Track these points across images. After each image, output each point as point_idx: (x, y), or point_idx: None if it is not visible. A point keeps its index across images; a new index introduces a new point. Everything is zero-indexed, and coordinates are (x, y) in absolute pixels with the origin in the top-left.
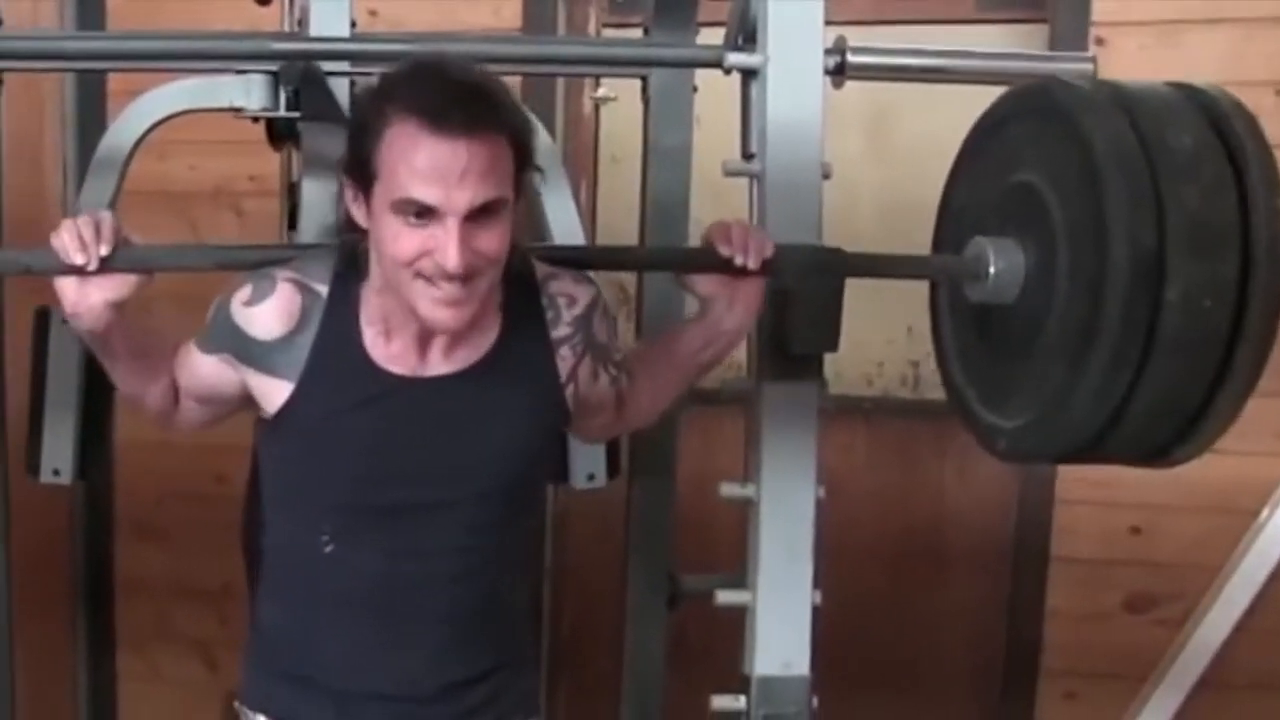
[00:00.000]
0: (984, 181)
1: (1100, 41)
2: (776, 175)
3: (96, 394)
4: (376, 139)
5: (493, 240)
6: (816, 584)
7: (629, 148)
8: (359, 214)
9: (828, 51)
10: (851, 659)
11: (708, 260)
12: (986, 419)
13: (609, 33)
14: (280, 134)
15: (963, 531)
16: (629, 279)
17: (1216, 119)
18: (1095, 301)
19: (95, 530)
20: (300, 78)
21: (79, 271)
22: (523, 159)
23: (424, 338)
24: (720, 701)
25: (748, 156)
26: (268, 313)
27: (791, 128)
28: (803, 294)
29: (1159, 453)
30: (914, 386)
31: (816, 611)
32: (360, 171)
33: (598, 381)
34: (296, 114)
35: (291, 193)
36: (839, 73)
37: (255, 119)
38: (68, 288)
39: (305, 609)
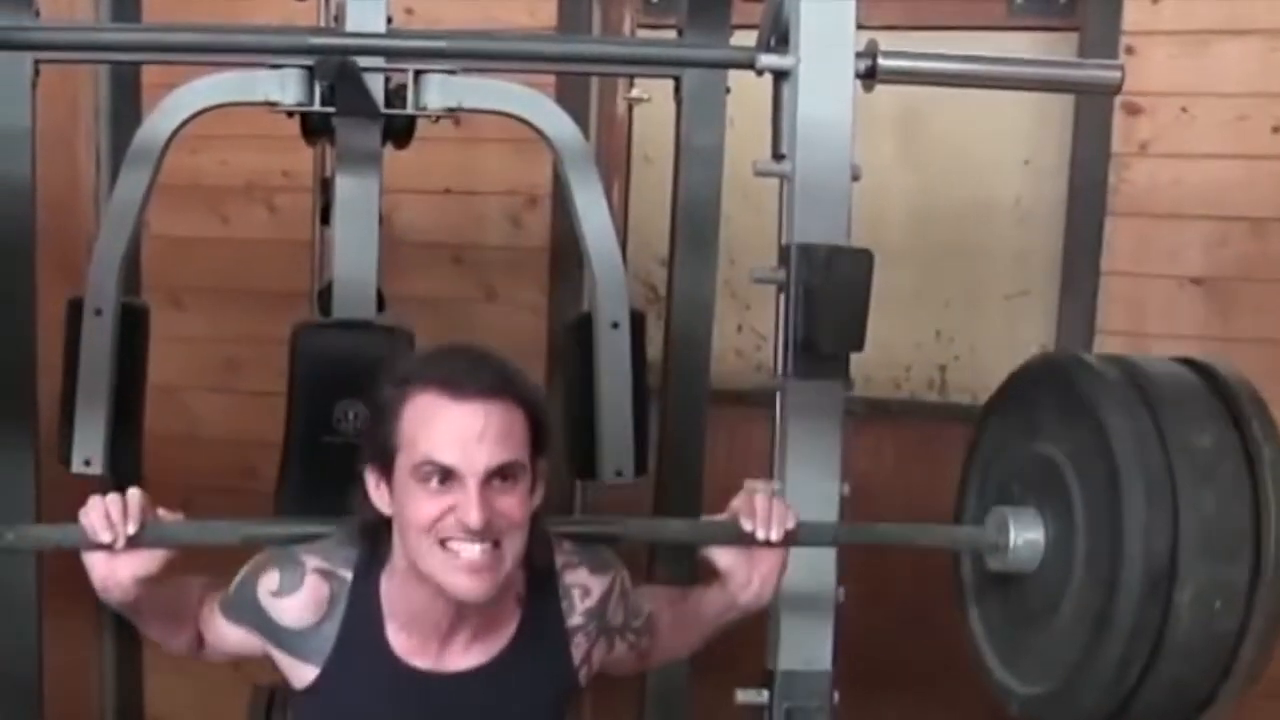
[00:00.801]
0: (1009, 443)
1: (1130, 50)
2: (806, 176)
3: (127, 386)
4: (396, 416)
5: (512, 503)
6: (840, 580)
7: (662, 148)
8: (382, 502)
9: (859, 55)
10: (873, 659)
11: (730, 534)
12: (1001, 678)
13: (643, 34)
14: (315, 129)
15: None
16: (659, 279)
17: (1235, 412)
18: (1109, 598)
19: None
20: (336, 73)
21: (106, 549)
22: (539, 435)
23: (446, 631)
24: (744, 695)
25: (778, 157)
26: (296, 606)
27: (822, 129)
28: (829, 293)
29: None
30: (941, 390)
31: (839, 608)
32: (382, 454)
33: (614, 651)
34: (331, 109)
35: (325, 188)
36: (870, 76)
37: (290, 114)
38: (97, 564)
39: None
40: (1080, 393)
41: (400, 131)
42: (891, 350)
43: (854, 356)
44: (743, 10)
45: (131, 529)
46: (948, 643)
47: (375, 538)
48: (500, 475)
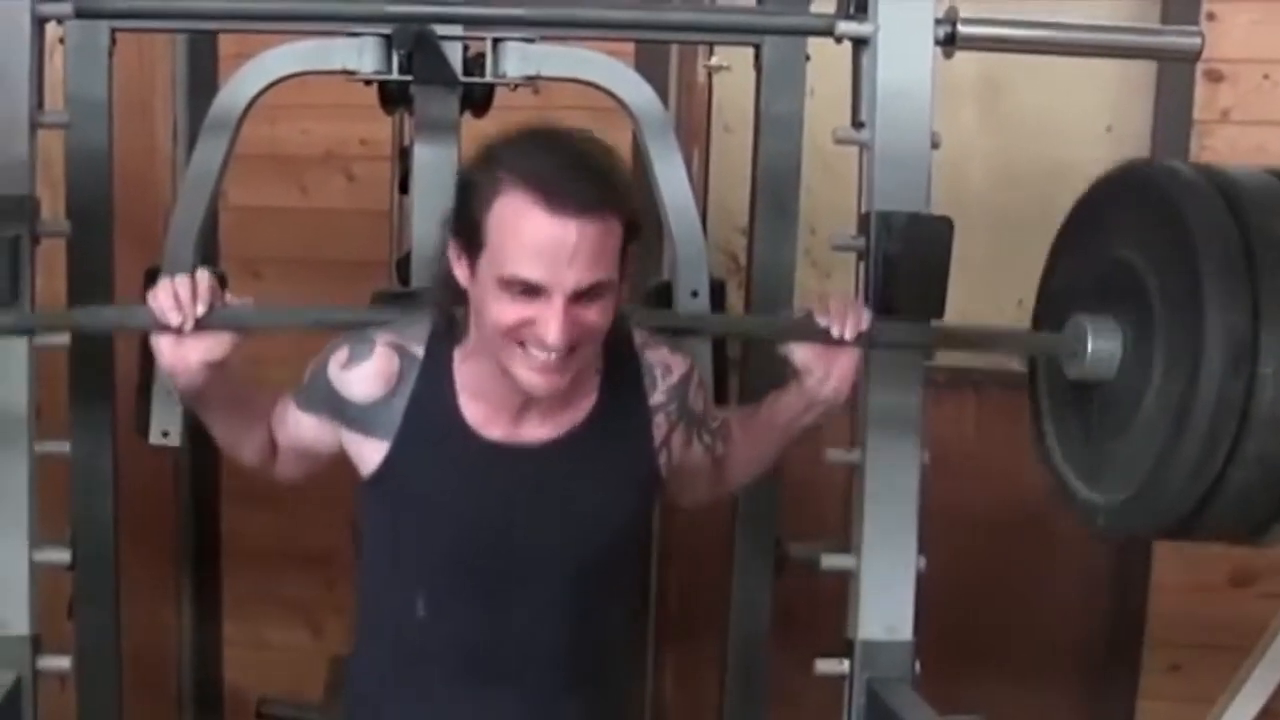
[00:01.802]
0: (1085, 257)
1: (1211, 16)
2: (886, 144)
3: None
4: (486, 207)
5: (596, 316)
6: (921, 549)
7: (741, 116)
8: (461, 273)
9: (938, 21)
10: (956, 627)
11: (805, 330)
12: (1084, 496)
13: (723, 1)
14: (393, 98)
15: None
16: (739, 247)
17: None
18: (1190, 380)
19: (202, 494)
20: (413, 41)
21: (175, 331)
22: (631, 234)
23: (521, 404)
24: (824, 665)
25: (858, 125)
26: (365, 376)
27: (901, 97)
28: (909, 261)
29: (1257, 529)
30: (1023, 359)
31: (920, 577)
32: (467, 236)
33: (691, 449)
34: (409, 78)
35: (403, 157)
36: (949, 43)
37: (368, 82)
38: (164, 347)
39: (398, 674)
40: (1155, 191)
41: (479, 100)
42: (972, 318)
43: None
44: None
45: (200, 310)
46: (1029, 612)
47: (452, 309)
48: (587, 292)
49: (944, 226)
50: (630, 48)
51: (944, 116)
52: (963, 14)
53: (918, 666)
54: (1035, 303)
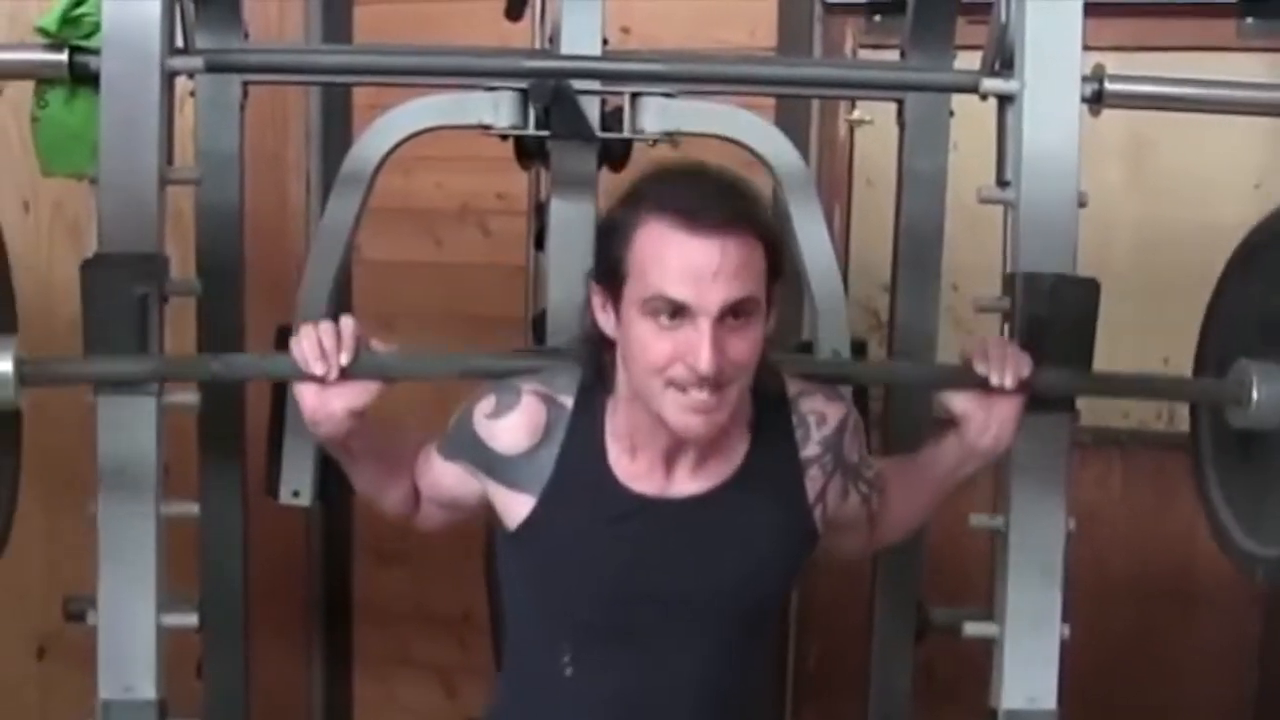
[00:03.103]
0: (1249, 301)
1: None
2: (1031, 203)
3: None
4: (627, 241)
5: (744, 345)
6: (1065, 617)
7: (883, 171)
8: (607, 323)
9: (1085, 79)
10: (1100, 695)
11: (964, 378)
12: (1244, 545)
13: (865, 53)
14: (529, 152)
15: (1215, 568)
16: (881, 304)
17: None
18: None
19: (334, 554)
20: (551, 96)
21: (319, 380)
22: (775, 265)
23: (670, 455)
24: None
25: (1003, 184)
26: (512, 427)
27: (1048, 155)
28: (1055, 323)
29: None
30: (1169, 420)
31: (1065, 645)
32: (610, 276)
33: (847, 500)
34: (546, 133)
35: (539, 212)
36: (1096, 100)
37: (504, 137)
38: (307, 395)
39: None
40: None
41: (616, 155)
42: None
43: None
44: (967, 32)
45: (345, 359)
46: (1175, 680)
47: (599, 358)
48: (734, 312)
49: (1091, 288)
50: (770, 102)
51: (1090, 175)
52: (1109, 71)
53: None
54: (1197, 347)
